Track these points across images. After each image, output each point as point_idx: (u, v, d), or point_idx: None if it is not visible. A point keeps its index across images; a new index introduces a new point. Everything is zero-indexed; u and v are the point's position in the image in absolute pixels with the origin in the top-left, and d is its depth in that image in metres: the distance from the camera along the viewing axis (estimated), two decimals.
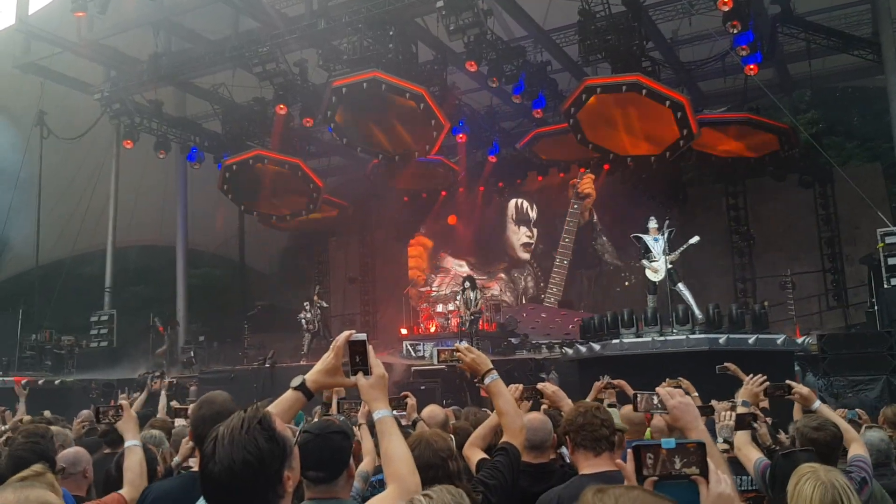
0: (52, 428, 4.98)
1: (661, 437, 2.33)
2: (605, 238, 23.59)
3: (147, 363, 21.53)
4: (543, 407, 4.75)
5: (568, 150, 20.88)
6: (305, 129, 21.61)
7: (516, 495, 3.13)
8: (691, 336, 12.06)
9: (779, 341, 12.29)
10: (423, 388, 14.85)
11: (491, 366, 3.28)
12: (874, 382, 12.21)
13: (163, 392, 9.20)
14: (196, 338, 22.98)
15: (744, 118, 19.30)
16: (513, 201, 25.52)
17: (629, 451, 1.83)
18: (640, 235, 13.73)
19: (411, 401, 4.82)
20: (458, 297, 19.47)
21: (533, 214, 25.12)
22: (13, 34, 20.23)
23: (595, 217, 23.93)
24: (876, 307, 14.37)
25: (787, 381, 4.35)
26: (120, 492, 3.47)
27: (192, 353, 21.46)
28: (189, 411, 5.13)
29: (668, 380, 6.71)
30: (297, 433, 2.49)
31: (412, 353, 20.12)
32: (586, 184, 23.67)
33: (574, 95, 17.01)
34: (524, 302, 24.73)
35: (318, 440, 2.67)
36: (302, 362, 19.44)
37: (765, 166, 21.24)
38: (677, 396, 2.56)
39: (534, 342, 19.12)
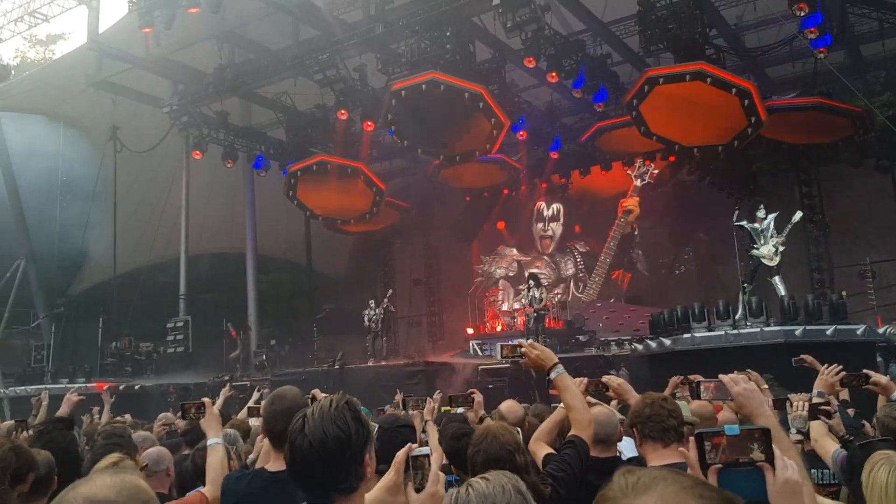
0: (138, 433, 5.14)
1: None
2: (640, 251, 25.37)
3: (221, 368, 22.17)
4: (613, 402, 4.70)
5: (631, 143, 20.58)
6: (366, 133, 21.85)
7: (584, 489, 3.09)
8: (766, 329, 11.70)
9: (858, 331, 11.80)
10: (490, 386, 14.85)
11: (556, 360, 3.27)
12: None
13: (221, 395, 9.37)
14: (267, 342, 23.48)
15: (815, 103, 18.62)
16: (537, 203, 26.58)
17: (691, 438, 1.79)
18: (743, 224, 13.43)
19: (478, 397, 4.83)
20: (524, 296, 19.42)
21: (548, 213, 26.49)
22: (85, 53, 21.06)
23: (636, 231, 25.28)
24: None
25: (865, 371, 4.19)
26: (202, 489, 3.53)
27: (264, 357, 21.94)
28: (261, 409, 5.26)
29: (736, 372, 6.56)
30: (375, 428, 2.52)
31: (479, 352, 20.16)
32: (631, 203, 24.85)
33: (636, 87, 16.71)
34: (572, 285, 25.79)
35: (388, 434, 2.71)
36: (369, 363, 19.69)
37: (839, 152, 20.48)
38: (741, 383, 2.52)
39: (602, 339, 18.90)
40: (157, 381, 20.59)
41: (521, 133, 21.11)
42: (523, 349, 3.28)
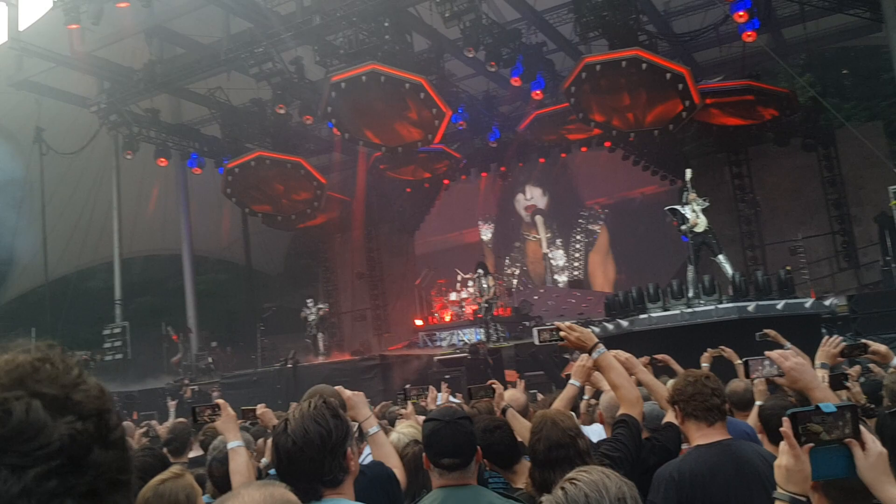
0: None
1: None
2: None
3: (162, 373, 21.52)
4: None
5: (568, 130, 20.86)
6: (304, 126, 21.51)
7: (639, 467, 3.11)
8: (720, 306, 12.00)
9: (807, 305, 12.23)
10: (448, 376, 14.81)
11: (597, 340, 3.28)
12: None
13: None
14: (208, 344, 22.95)
15: (745, 86, 19.27)
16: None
17: (785, 419, 1.80)
18: (675, 207, 13.72)
19: (499, 388, 4.71)
20: (472, 285, 19.49)
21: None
22: (6, 52, 20.01)
23: None
24: (894, 264, 14.37)
25: (863, 341, 4.34)
26: None
27: (209, 360, 21.43)
28: (258, 412, 5.11)
29: (709, 350, 6.69)
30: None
31: (429, 343, 20.15)
32: None
33: (574, 74, 16.92)
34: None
35: (448, 428, 2.65)
36: (320, 359, 19.53)
37: (766, 132, 21.26)
38: (791, 358, 2.54)
39: (548, 324, 19.11)
40: None
41: (461, 123, 21.13)
42: (562, 332, 3.28)
